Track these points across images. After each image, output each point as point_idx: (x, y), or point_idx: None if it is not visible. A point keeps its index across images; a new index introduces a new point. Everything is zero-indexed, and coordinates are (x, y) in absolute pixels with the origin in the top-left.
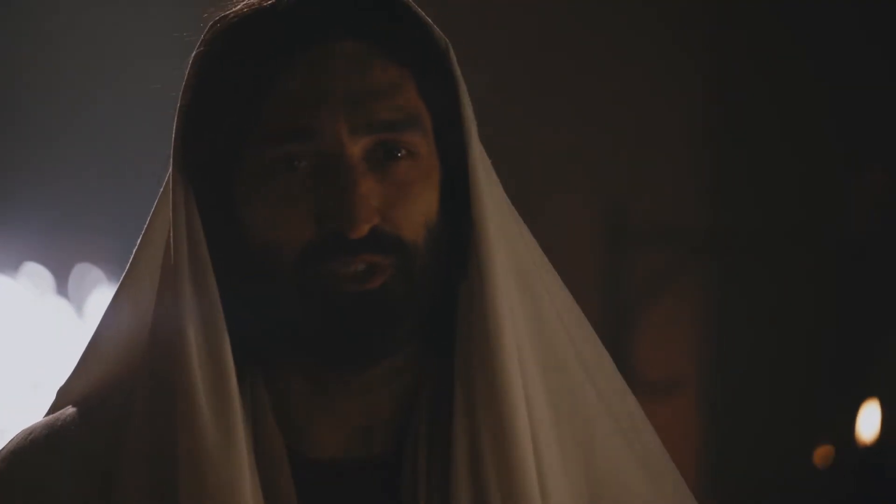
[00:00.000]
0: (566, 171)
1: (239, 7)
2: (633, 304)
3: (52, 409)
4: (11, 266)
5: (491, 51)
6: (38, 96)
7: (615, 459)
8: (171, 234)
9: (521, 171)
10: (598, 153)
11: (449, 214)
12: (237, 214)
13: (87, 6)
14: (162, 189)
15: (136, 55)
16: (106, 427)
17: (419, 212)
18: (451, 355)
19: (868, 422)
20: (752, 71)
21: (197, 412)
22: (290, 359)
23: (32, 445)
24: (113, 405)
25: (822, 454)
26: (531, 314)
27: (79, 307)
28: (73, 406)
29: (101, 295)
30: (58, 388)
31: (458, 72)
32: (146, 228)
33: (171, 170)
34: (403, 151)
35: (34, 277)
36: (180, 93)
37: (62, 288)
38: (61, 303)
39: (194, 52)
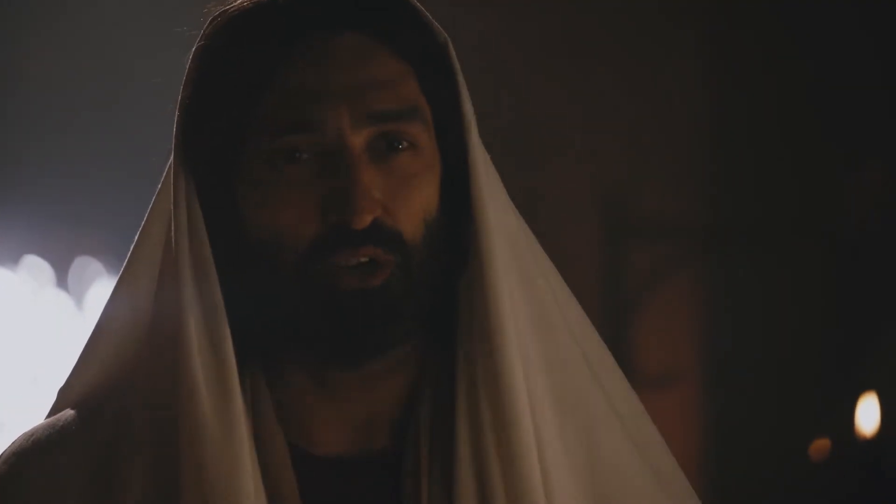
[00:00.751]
0: (565, 166)
1: (240, 1)
2: (632, 299)
3: (54, 409)
4: (11, 259)
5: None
6: (38, 90)
7: (618, 455)
8: (172, 228)
9: (520, 165)
10: (597, 148)
11: (449, 209)
12: (238, 207)
13: (86, 1)
14: (161, 183)
15: (135, 49)
16: (107, 426)
17: (419, 206)
18: (453, 350)
19: (867, 416)
20: (752, 67)
21: (198, 407)
22: (291, 354)
23: (34, 447)
24: (114, 403)
25: (818, 448)
26: (533, 309)
27: (79, 300)
28: (75, 406)
29: (100, 288)
30: (59, 388)
31: (458, 67)
32: (144, 223)
33: (171, 163)
34: (405, 143)
35: (34, 270)
36: (181, 86)
37: (62, 281)
38: (61, 296)
39: (195, 46)
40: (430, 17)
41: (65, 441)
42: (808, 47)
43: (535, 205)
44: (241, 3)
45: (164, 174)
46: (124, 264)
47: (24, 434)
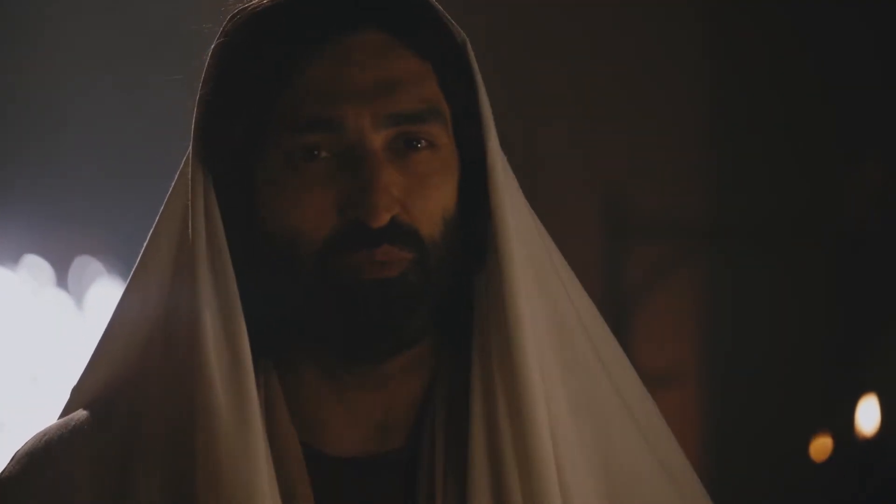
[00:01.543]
0: (568, 163)
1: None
2: (633, 296)
3: (67, 408)
4: (11, 258)
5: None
6: (38, 90)
7: (633, 455)
8: (190, 224)
9: (522, 162)
10: (599, 145)
11: (466, 208)
12: (255, 204)
13: (86, 1)
14: (175, 180)
15: (136, 49)
16: (120, 424)
17: (437, 204)
18: (468, 350)
19: (867, 416)
20: (753, 66)
21: (214, 407)
22: (307, 352)
23: (47, 447)
24: (126, 402)
25: (820, 446)
26: (548, 308)
27: (78, 300)
28: (87, 405)
29: (100, 287)
30: (72, 388)
31: (476, 67)
32: (158, 220)
33: (189, 158)
34: (424, 142)
35: (34, 270)
36: (200, 83)
37: (62, 280)
38: (61, 295)
39: (214, 43)
40: (449, 18)
41: (77, 441)
42: (809, 46)
43: (535, 205)
44: (262, 0)
45: (179, 171)
46: (137, 262)
47: (37, 434)
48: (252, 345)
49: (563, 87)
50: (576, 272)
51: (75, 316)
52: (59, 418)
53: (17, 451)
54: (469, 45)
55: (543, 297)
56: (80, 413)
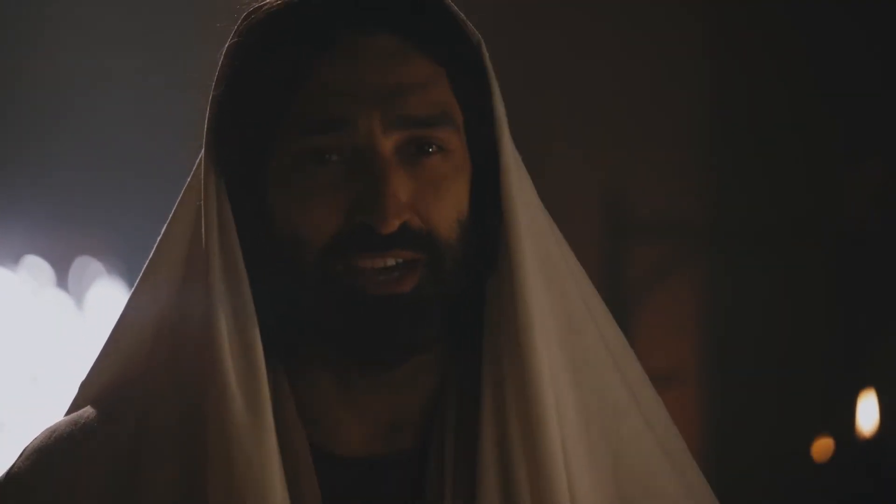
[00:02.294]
0: (568, 163)
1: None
2: (633, 296)
3: (75, 403)
4: (11, 259)
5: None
6: (39, 90)
7: (643, 455)
8: (203, 225)
9: (522, 162)
10: (599, 145)
11: (478, 209)
12: (267, 205)
13: (87, 1)
14: (187, 182)
15: (137, 49)
16: (130, 422)
17: (451, 207)
18: (478, 350)
19: (867, 415)
20: (753, 66)
21: (228, 400)
22: (316, 353)
23: (57, 443)
24: (137, 400)
25: (821, 447)
26: (561, 310)
27: (79, 300)
28: (96, 402)
29: (100, 288)
30: (80, 382)
31: (491, 68)
32: (169, 221)
33: (202, 159)
34: (435, 147)
35: (34, 270)
36: (213, 82)
37: (62, 281)
38: (61, 296)
39: (228, 43)
40: (464, 18)
41: (87, 438)
42: (809, 47)
43: None
44: (275, 1)
45: (193, 172)
46: (147, 261)
47: (47, 430)
48: (263, 345)
49: (563, 87)
50: None
51: (75, 316)
52: (67, 412)
53: (27, 447)
54: (484, 47)
55: (555, 299)
56: (90, 410)
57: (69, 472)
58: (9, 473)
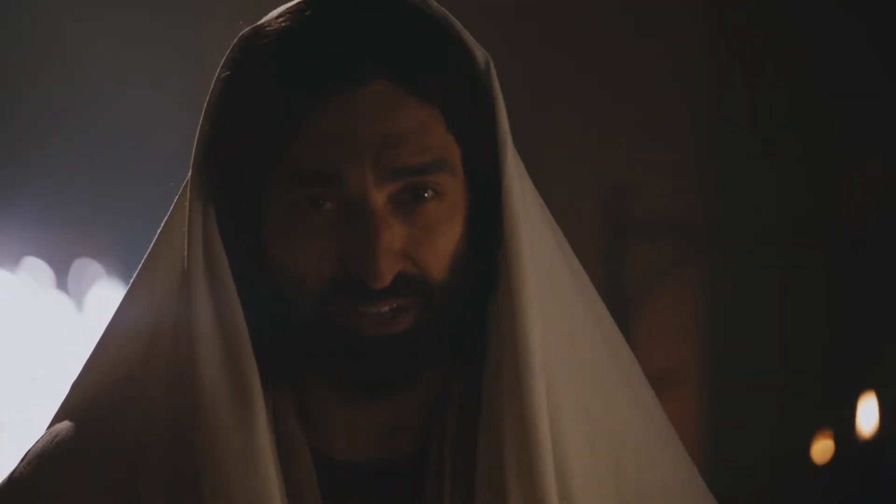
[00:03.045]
0: (565, 166)
1: (269, 28)
2: (632, 297)
3: (66, 403)
4: (11, 260)
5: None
6: (38, 91)
7: (647, 470)
8: (186, 243)
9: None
10: (599, 146)
11: (480, 227)
12: (261, 242)
13: (87, 2)
14: (182, 187)
15: (137, 51)
16: (130, 432)
17: (445, 249)
18: (480, 358)
19: (867, 416)
20: (753, 67)
21: (218, 419)
22: (314, 373)
23: (58, 450)
24: (136, 408)
25: (821, 448)
26: (565, 327)
27: (78, 302)
28: (93, 406)
29: (100, 289)
30: (71, 383)
31: (498, 90)
32: (164, 224)
33: (188, 184)
34: (430, 192)
35: (34, 272)
36: (202, 114)
37: (62, 282)
38: (61, 297)
39: (219, 73)
40: (472, 42)
41: (89, 447)
42: (810, 47)
43: None
44: (271, 33)
45: (180, 191)
46: (142, 264)
47: (48, 435)
48: (261, 356)
49: (563, 87)
50: None
51: (75, 318)
52: (57, 413)
53: (28, 452)
54: (492, 68)
55: (559, 316)
56: (91, 416)
57: (71, 477)
58: (11, 478)
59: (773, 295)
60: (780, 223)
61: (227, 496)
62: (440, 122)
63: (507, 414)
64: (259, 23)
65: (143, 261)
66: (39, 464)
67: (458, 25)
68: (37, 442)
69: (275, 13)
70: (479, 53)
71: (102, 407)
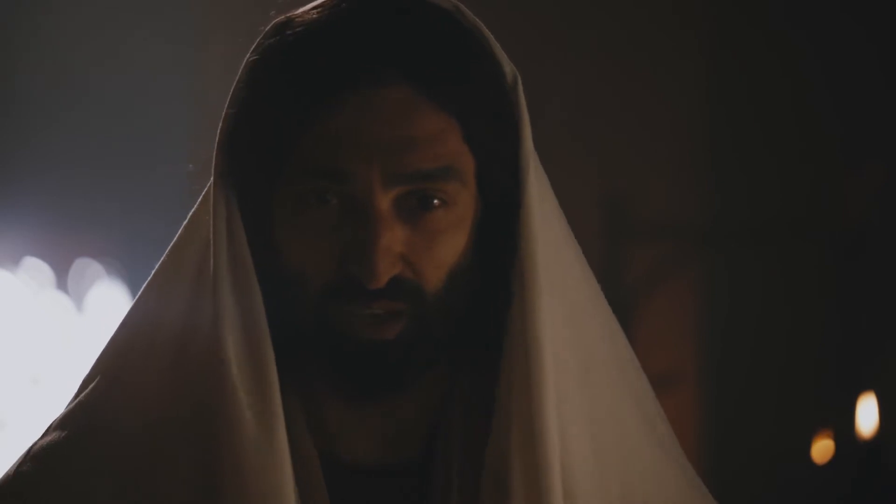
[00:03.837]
0: (565, 166)
1: (299, 19)
2: (631, 298)
3: (77, 397)
4: (11, 260)
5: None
6: (39, 91)
7: (654, 487)
8: (212, 238)
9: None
10: (598, 147)
11: (494, 239)
12: (271, 235)
13: (87, 2)
14: (205, 190)
15: (138, 50)
16: (146, 426)
17: (445, 261)
18: (485, 360)
19: (867, 416)
20: (754, 65)
21: (239, 414)
22: (316, 370)
23: (69, 440)
24: (150, 408)
25: (819, 448)
26: (579, 343)
27: (78, 302)
28: (104, 402)
29: (100, 290)
30: (83, 379)
31: (524, 107)
32: (187, 222)
33: (213, 174)
34: (437, 201)
35: (34, 272)
36: (229, 95)
37: (62, 283)
38: (61, 297)
39: (248, 57)
40: (499, 55)
41: (102, 439)
42: (809, 47)
43: None
44: (298, 26)
45: (207, 188)
46: (160, 264)
47: (56, 427)
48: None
49: (563, 87)
50: None
51: (75, 318)
52: (68, 407)
53: (34, 444)
54: (519, 84)
55: (574, 334)
56: (101, 409)
57: (83, 472)
58: (17, 472)
59: (772, 295)
60: (780, 223)
61: (245, 490)
62: (456, 131)
63: (515, 430)
64: (292, 13)
65: (166, 251)
66: (43, 457)
67: (490, 38)
68: (43, 435)
69: (309, 5)
70: (508, 69)
71: (112, 401)
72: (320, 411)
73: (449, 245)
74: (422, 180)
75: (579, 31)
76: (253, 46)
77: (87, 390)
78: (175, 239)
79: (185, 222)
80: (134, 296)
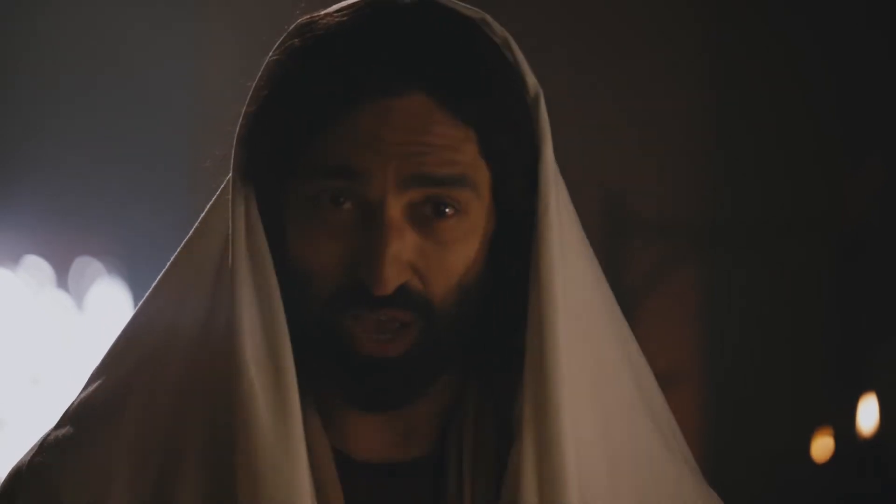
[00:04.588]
0: (568, 163)
1: (322, 21)
2: (631, 297)
3: (87, 389)
4: (11, 259)
5: None
6: (39, 89)
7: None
8: (230, 236)
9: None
10: (598, 145)
11: (509, 251)
12: (286, 231)
13: (87, 2)
14: (221, 187)
15: (138, 49)
16: (160, 419)
17: (455, 270)
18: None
19: (867, 416)
20: (753, 67)
21: (257, 409)
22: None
23: (85, 430)
24: (166, 402)
25: (820, 447)
26: (594, 361)
27: (79, 300)
28: (114, 397)
29: (101, 288)
30: (90, 374)
31: (545, 123)
32: (202, 219)
33: (231, 171)
34: (450, 209)
35: (34, 270)
36: (250, 91)
37: (62, 281)
38: (61, 296)
39: (271, 54)
40: (524, 70)
41: (113, 432)
42: (809, 47)
43: None
44: (322, 29)
45: (225, 182)
46: (172, 261)
47: (70, 419)
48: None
49: (563, 87)
50: None
51: (76, 316)
52: (75, 401)
53: (48, 433)
54: (541, 100)
55: (589, 350)
56: (115, 401)
57: (99, 462)
58: (31, 462)
59: (772, 294)
60: (780, 223)
61: (262, 487)
62: (473, 142)
63: (528, 442)
64: (317, 14)
65: (179, 248)
66: (64, 447)
67: (517, 51)
68: (58, 424)
69: (334, 7)
70: (531, 82)
71: (124, 392)
72: (333, 410)
73: (460, 254)
74: (435, 185)
75: (580, 30)
76: (276, 44)
77: (99, 382)
78: (189, 235)
79: (199, 220)
80: (135, 294)
